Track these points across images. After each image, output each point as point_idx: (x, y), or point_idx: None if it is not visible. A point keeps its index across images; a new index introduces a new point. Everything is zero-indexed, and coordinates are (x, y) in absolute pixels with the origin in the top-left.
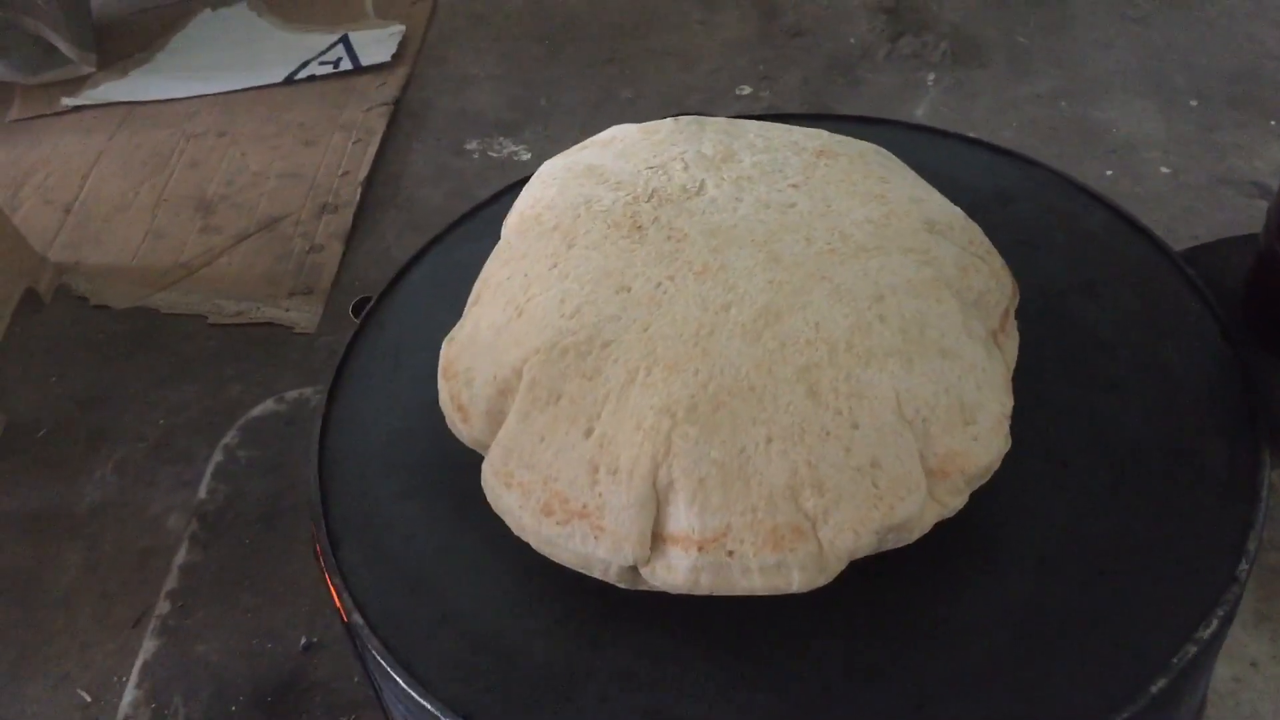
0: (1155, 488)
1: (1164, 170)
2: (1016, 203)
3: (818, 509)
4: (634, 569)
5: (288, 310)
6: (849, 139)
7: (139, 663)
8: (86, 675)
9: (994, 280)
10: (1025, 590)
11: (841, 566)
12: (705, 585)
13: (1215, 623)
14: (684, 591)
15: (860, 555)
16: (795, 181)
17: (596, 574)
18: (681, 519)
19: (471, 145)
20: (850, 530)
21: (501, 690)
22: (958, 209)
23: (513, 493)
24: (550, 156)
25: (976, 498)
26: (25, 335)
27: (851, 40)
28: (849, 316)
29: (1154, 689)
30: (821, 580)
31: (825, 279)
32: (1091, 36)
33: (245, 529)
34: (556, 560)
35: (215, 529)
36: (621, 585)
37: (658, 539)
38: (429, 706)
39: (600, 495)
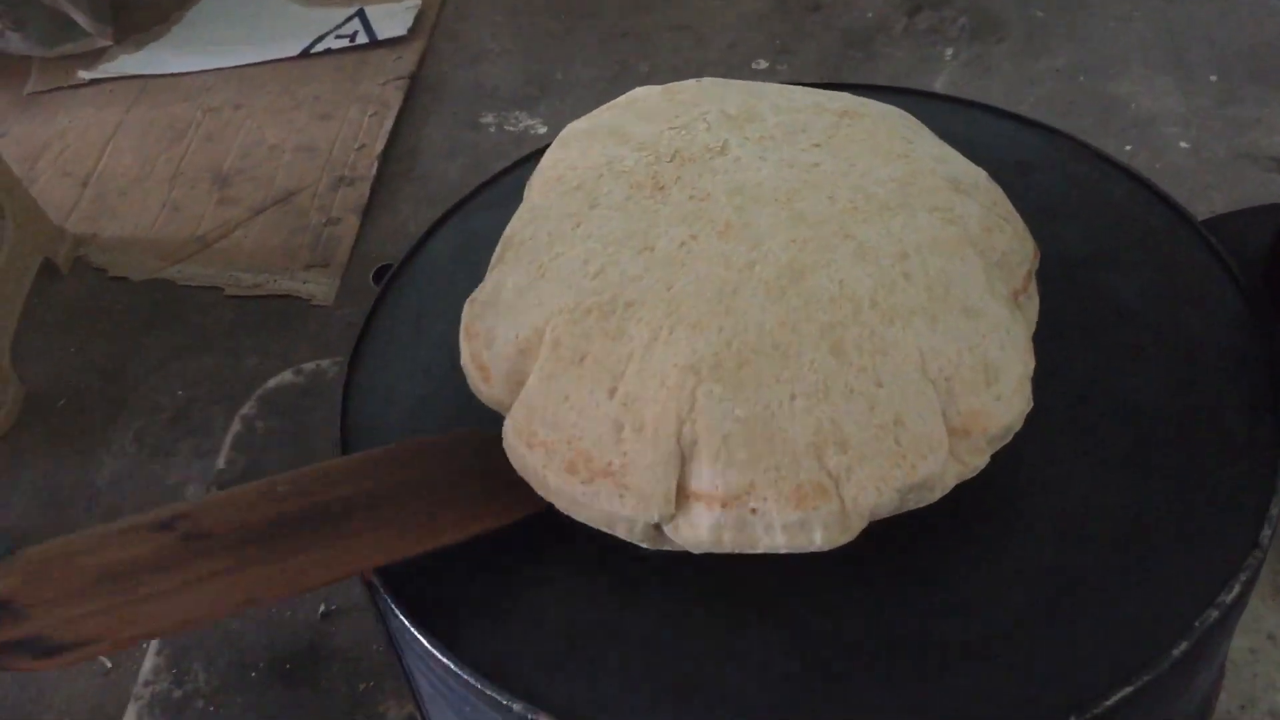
0: (1177, 455)
1: (1183, 145)
2: (1038, 171)
3: (841, 466)
4: (658, 527)
5: (305, 283)
6: (872, 101)
7: None
8: None
9: (1017, 241)
10: (1047, 555)
11: (864, 524)
12: (729, 543)
13: (1237, 588)
14: (707, 549)
15: (882, 514)
16: (818, 140)
17: (620, 533)
18: (705, 476)
19: (487, 119)
20: (873, 487)
21: (526, 652)
22: (981, 170)
23: (536, 453)
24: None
25: (998, 463)
26: (43, 307)
27: (869, 15)
28: (873, 274)
29: (1175, 652)
30: (844, 539)
31: (849, 237)
32: (1110, 10)
33: None
34: (580, 519)
35: None
36: (644, 545)
37: (682, 496)
38: (454, 667)
39: (625, 454)
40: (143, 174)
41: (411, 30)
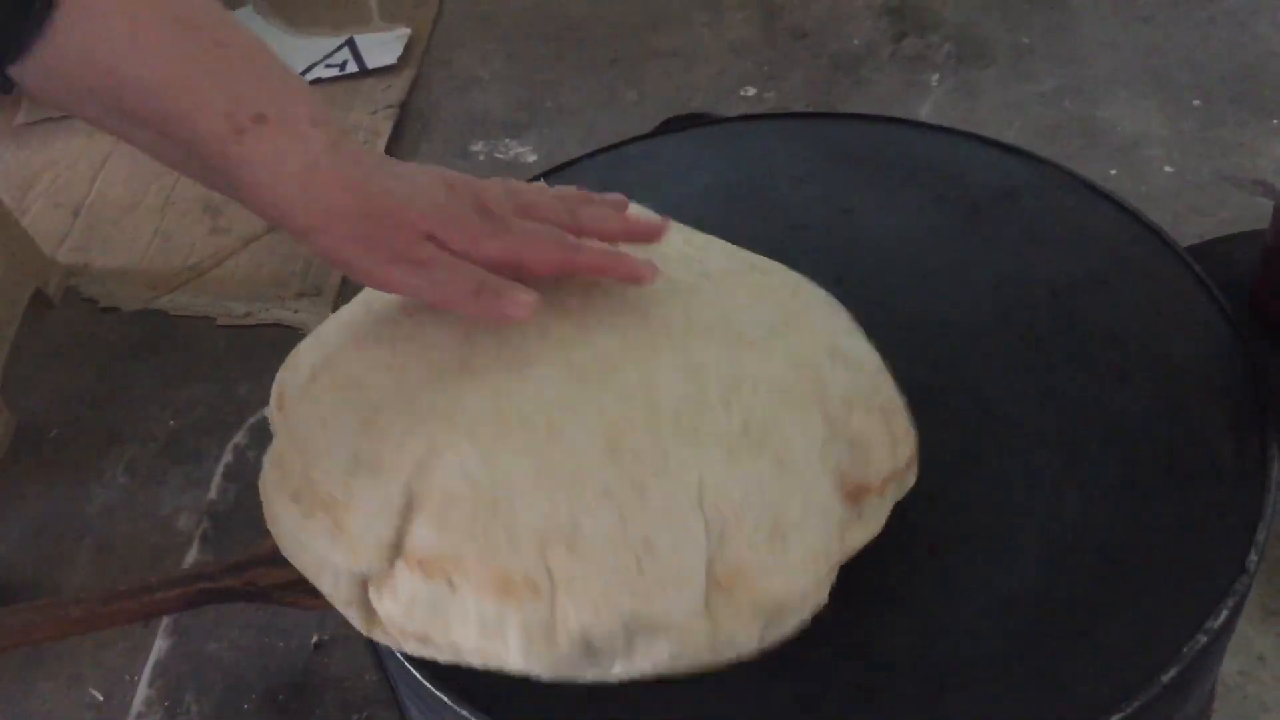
0: (1165, 479)
1: (1167, 169)
2: (1023, 199)
3: (563, 570)
4: (364, 586)
5: (296, 311)
6: (804, 281)
7: (151, 661)
8: (98, 674)
9: (886, 436)
10: (1037, 581)
11: (570, 648)
12: (417, 623)
13: (1225, 613)
14: (396, 630)
15: (597, 642)
16: (710, 273)
17: (325, 588)
18: (421, 533)
19: (477, 147)
20: (591, 605)
21: (520, 684)
22: (876, 357)
23: (273, 473)
24: (556, 157)
25: (988, 490)
26: (35, 337)
27: (856, 41)
28: (690, 390)
29: (1165, 678)
30: (539, 662)
31: (685, 351)
32: (1094, 36)
33: (256, 528)
34: (297, 564)
35: (226, 528)
36: (350, 617)
37: (396, 555)
38: (446, 700)
39: (351, 490)
40: (133, 204)
41: (401, 59)
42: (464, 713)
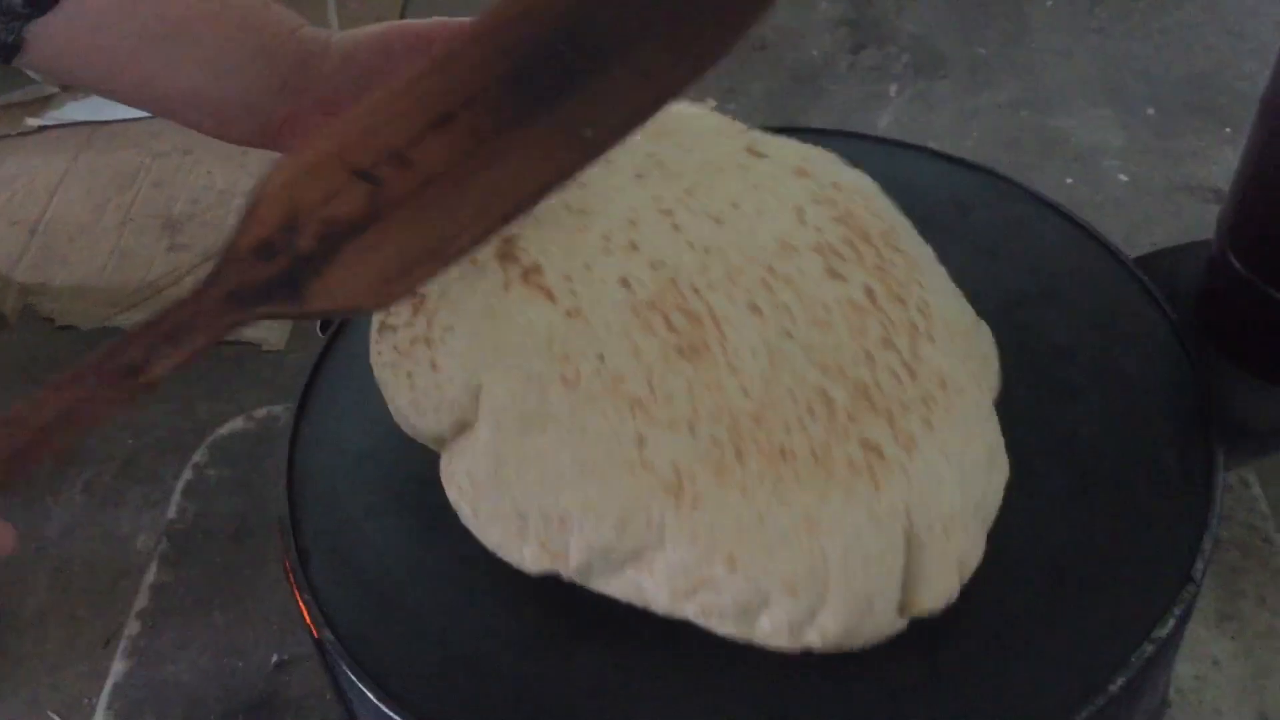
0: (1113, 491)
1: (1122, 178)
2: (975, 212)
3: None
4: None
5: (255, 328)
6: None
7: (109, 684)
8: (56, 698)
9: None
10: (986, 594)
11: None
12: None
13: (1172, 622)
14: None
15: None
16: None
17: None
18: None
19: None
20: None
21: (474, 705)
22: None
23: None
24: None
25: None
26: None
27: (814, 53)
28: None
29: (1112, 688)
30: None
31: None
32: (1050, 47)
33: (216, 547)
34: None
35: (185, 548)
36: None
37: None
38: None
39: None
40: (91, 221)
41: None
42: None
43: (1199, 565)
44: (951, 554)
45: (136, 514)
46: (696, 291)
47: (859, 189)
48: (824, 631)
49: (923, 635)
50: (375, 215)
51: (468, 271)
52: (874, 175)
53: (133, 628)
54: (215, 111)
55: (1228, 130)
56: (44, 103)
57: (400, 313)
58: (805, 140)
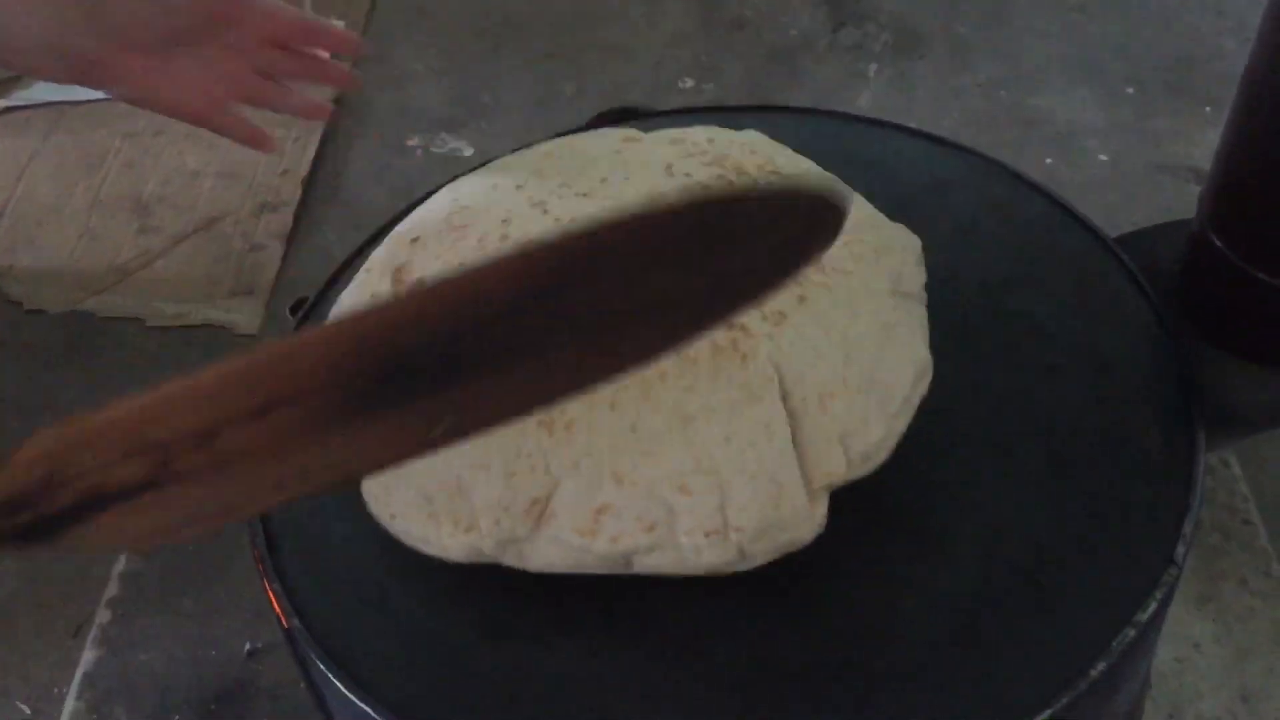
0: (1093, 473)
1: (1102, 157)
2: (954, 191)
3: None
4: None
5: (228, 311)
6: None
7: (79, 673)
8: (26, 688)
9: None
10: (965, 579)
11: None
12: None
13: (1153, 605)
14: None
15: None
16: None
17: None
18: None
19: (414, 142)
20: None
21: (445, 695)
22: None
23: None
24: (494, 152)
25: (918, 487)
26: None
27: (793, 32)
28: None
29: (1094, 673)
30: None
31: None
32: (1030, 26)
33: None
34: None
35: None
36: None
37: None
38: (371, 712)
39: None
40: (60, 203)
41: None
42: None
43: (1180, 548)
44: (830, 426)
45: None
46: None
47: (737, 140)
48: (741, 524)
49: (899, 619)
50: (155, 484)
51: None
52: (852, 153)
53: (103, 616)
54: (11, 43)
55: (1208, 110)
56: (12, 83)
57: None
58: (783, 119)
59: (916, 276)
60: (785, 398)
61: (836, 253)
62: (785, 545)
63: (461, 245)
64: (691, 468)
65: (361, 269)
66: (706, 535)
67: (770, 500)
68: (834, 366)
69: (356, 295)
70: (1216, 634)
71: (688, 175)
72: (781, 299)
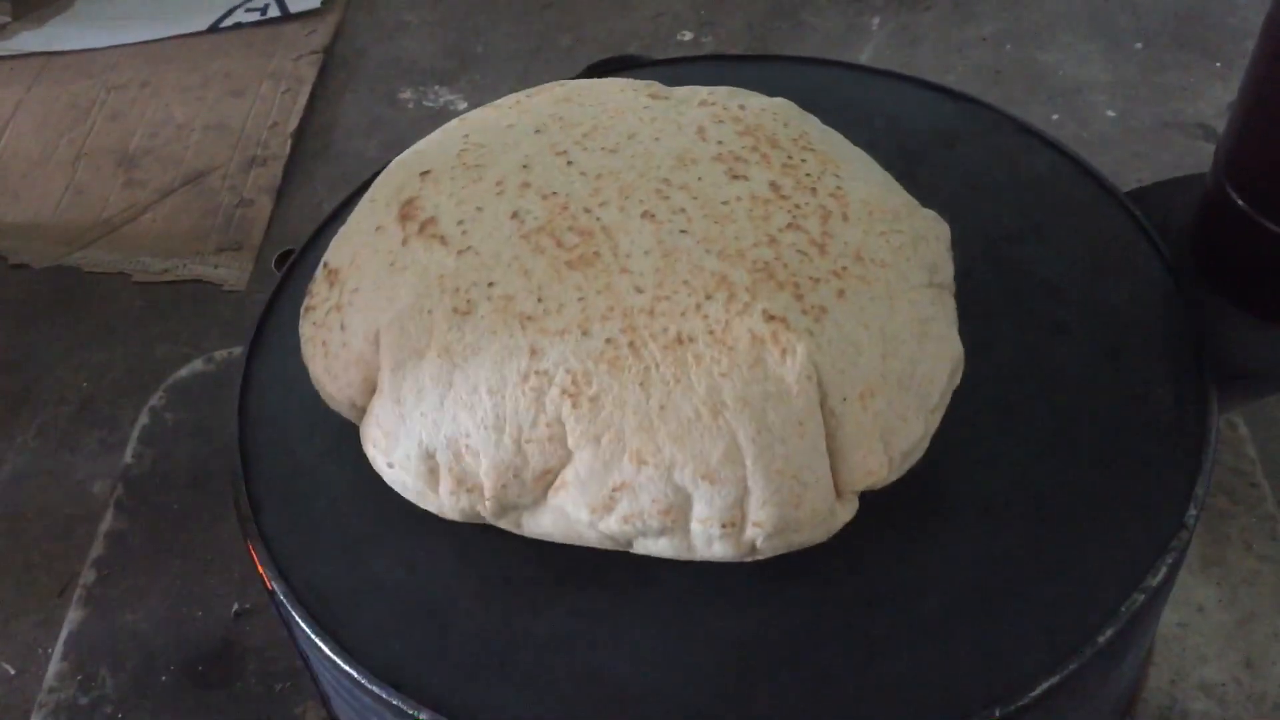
0: (1103, 433)
1: (1109, 113)
2: (962, 144)
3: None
4: None
5: (216, 267)
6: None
7: (64, 633)
8: (10, 647)
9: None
10: (973, 542)
11: None
12: None
13: (1164, 570)
14: None
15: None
16: None
17: None
18: None
19: (405, 94)
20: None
21: (433, 657)
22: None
23: None
24: (486, 104)
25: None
26: None
27: None
28: None
29: (1102, 639)
30: None
31: None
32: None
33: (173, 493)
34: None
35: (142, 494)
36: None
37: None
38: (356, 675)
39: None
40: (44, 156)
41: (326, 3)
42: (375, 689)
43: (1192, 511)
44: (872, 425)
45: (92, 459)
46: (588, 211)
47: (768, 106)
48: (760, 520)
49: (903, 583)
50: None
51: (372, 237)
52: (857, 106)
53: (88, 576)
54: None
55: (1217, 65)
56: None
57: (318, 291)
58: (786, 68)
59: (948, 267)
60: (824, 396)
61: (874, 243)
62: (796, 545)
63: (479, 187)
64: (718, 456)
65: (365, 197)
66: (723, 527)
67: (792, 500)
68: (873, 363)
69: (359, 223)
70: (1221, 598)
71: (720, 143)
72: (821, 293)
